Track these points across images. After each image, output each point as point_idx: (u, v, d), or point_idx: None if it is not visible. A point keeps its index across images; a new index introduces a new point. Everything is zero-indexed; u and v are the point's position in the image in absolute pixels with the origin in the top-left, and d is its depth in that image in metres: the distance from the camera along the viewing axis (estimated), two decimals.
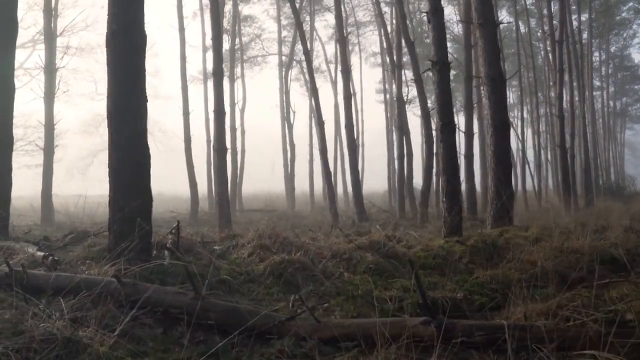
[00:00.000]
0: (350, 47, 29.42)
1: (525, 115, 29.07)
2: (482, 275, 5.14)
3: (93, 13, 30.66)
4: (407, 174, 17.17)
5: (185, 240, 5.59)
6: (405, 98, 17.92)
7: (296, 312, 3.82)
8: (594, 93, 35.01)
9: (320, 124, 13.50)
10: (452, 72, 20.79)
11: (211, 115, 21.65)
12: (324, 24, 30.23)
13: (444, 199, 6.49)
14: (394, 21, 30.28)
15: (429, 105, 16.02)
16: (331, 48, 35.10)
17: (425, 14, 6.96)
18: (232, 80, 20.62)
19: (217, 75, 10.79)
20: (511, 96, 36.12)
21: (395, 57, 16.06)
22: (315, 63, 27.78)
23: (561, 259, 5.45)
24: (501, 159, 8.18)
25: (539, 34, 31.62)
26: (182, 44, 17.71)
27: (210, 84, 24.08)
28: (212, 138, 21.70)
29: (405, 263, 5.57)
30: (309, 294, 4.61)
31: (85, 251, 5.11)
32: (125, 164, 4.69)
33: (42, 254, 4.80)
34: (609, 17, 34.06)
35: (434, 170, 13.35)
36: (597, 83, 38.48)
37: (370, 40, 32.16)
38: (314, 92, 13.20)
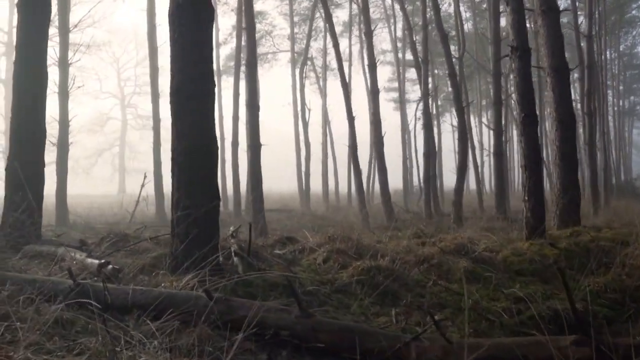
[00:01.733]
0: (360, 45, 28.83)
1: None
2: (592, 283, 4.52)
3: (100, 10, 29.94)
4: (431, 173, 16.59)
5: (245, 244, 4.94)
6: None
7: (415, 331, 3.21)
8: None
9: (351, 119, 12.88)
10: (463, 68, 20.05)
11: (226, 112, 21.17)
12: (334, 20, 29.48)
13: (526, 197, 5.88)
14: (402, 20, 29.77)
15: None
16: (341, 45, 34.33)
17: None
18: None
19: (251, 66, 10.15)
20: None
21: (422, 52, 15.44)
22: (325, 61, 27.18)
23: None
24: (567, 155, 7.58)
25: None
26: None
27: (223, 81, 23.52)
28: (225, 136, 21.17)
29: (496, 269, 4.95)
30: (409, 306, 3.99)
31: (141, 258, 4.46)
32: (192, 157, 4.05)
33: (94, 261, 4.15)
34: (620, 15, 33.67)
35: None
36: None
37: (380, 38, 31.45)
38: (343, 86, 12.59)
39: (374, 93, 14.09)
